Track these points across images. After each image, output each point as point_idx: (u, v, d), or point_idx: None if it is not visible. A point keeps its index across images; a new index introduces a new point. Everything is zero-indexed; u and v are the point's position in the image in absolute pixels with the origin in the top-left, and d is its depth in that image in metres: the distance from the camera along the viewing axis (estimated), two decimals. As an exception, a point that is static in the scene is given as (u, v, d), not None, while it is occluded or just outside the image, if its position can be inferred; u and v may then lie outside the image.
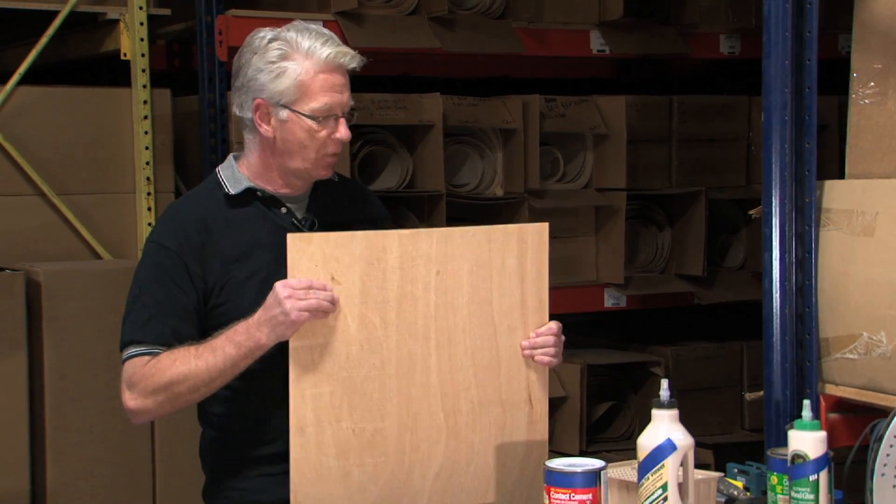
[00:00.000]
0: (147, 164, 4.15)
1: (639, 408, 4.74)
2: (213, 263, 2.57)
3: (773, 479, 2.37)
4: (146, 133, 4.14)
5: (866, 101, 2.85)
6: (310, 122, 2.55)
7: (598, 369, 4.70)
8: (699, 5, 4.92)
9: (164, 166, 4.20)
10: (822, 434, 2.30)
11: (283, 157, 2.60)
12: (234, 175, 2.65)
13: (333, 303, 2.43)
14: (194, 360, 2.49)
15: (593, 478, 2.20)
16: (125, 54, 4.16)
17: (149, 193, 4.15)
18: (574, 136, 4.74)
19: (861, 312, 2.74)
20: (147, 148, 4.15)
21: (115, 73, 4.41)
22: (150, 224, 4.15)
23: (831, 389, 2.82)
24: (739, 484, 2.57)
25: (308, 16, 4.25)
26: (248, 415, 2.64)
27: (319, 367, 2.48)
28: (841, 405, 2.82)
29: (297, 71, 2.54)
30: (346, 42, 4.19)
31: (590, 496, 2.19)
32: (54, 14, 4.09)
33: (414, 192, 4.40)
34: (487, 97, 4.59)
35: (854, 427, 2.72)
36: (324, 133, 2.57)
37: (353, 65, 2.58)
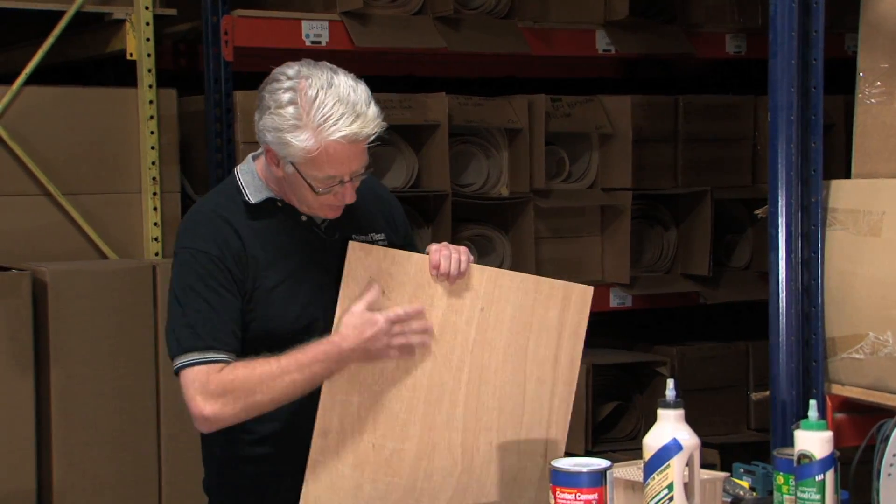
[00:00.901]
0: (153, 163, 4.15)
1: (644, 408, 4.74)
2: (248, 270, 2.55)
3: (779, 479, 2.37)
4: (152, 133, 4.15)
5: (873, 100, 2.84)
6: (310, 183, 2.50)
7: (604, 369, 4.70)
8: (705, 5, 4.92)
9: (170, 166, 4.21)
10: (829, 434, 2.30)
11: (291, 195, 2.58)
12: (255, 182, 2.62)
13: (426, 332, 2.51)
14: (280, 376, 2.46)
15: (599, 478, 2.20)
16: (131, 54, 4.16)
17: (155, 193, 4.16)
18: (580, 135, 4.74)
19: (867, 312, 2.74)
20: (153, 148, 4.15)
21: (121, 73, 4.41)
22: (156, 224, 4.15)
23: (837, 389, 2.82)
24: (745, 484, 2.57)
25: (314, 16, 4.25)
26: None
27: (355, 375, 2.51)
28: (847, 405, 2.82)
29: (303, 147, 2.44)
30: (351, 42, 4.25)
31: (595, 496, 2.19)
32: (60, 14, 4.09)
33: (419, 191, 4.40)
34: (493, 97, 4.59)
35: (860, 427, 2.72)
36: (326, 196, 2.53)
37: (373, 136, 2.50)
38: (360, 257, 2.53)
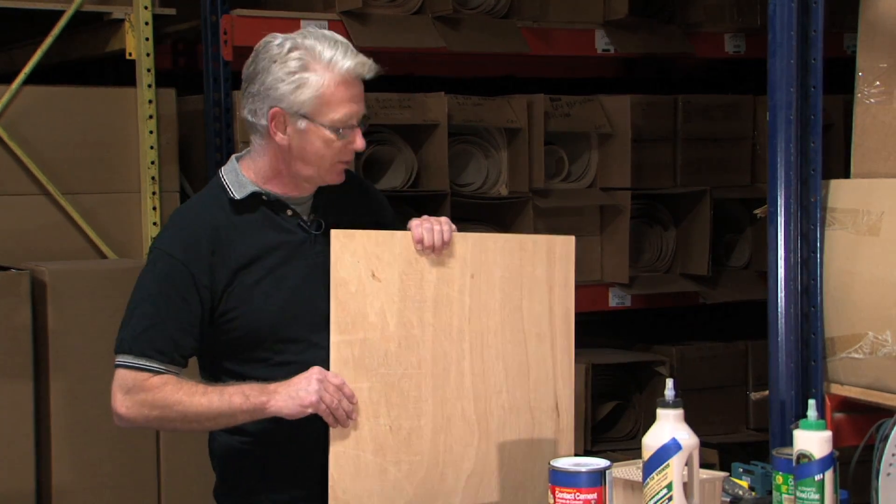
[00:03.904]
0: (152, 163, 4.15)
1: (644, 407, 4.74)
2: (222, 271, 2.56)
3: (779, 478, 2.37)
4: (151, 132, 4.15)
5: (872, 100, 2.84)
6: (328, 132, 2.53)
7: (603, 369, 4.70)
8: (704, 4, 4.92)
9: (169, 166, 4.21)
10: (828, 434, 2.30)
11: (297, 165, 2.59)
12: (239, 179, 2.63)
13: (349, 417, 2.51)
14: (199, 396, 2.52)
15: (598, 477, 2.20)
16: (130, 54, 4.16)
17: (154, 193, 4.16)
18: (579, 135, 4.73)
19: (866, 312, 2.74)
20: (152, 147, 4.15)
21: (120, 72, 4.41)
22: (155, 223, 4.15)
23: (836, 389, 2.82)
24: (745, 483, 2.57)
25: (313, 15, 4.25)
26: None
27: (360, 362, 2.53)
28: (846, 405, 2.82)
29: (318, 83, 2.51)
30: (351, 42, 4.25)
31: (595, 496, 2.19)
32: (60, 14, 4.09)
33: (419, 191, 4.40)
34: (492, 96, 4.59)
35: (859, 427, 2.72)
36: (340, 143, 2.55)
37: (371, 75, 2.57)
38: (345, 243, 2.54)
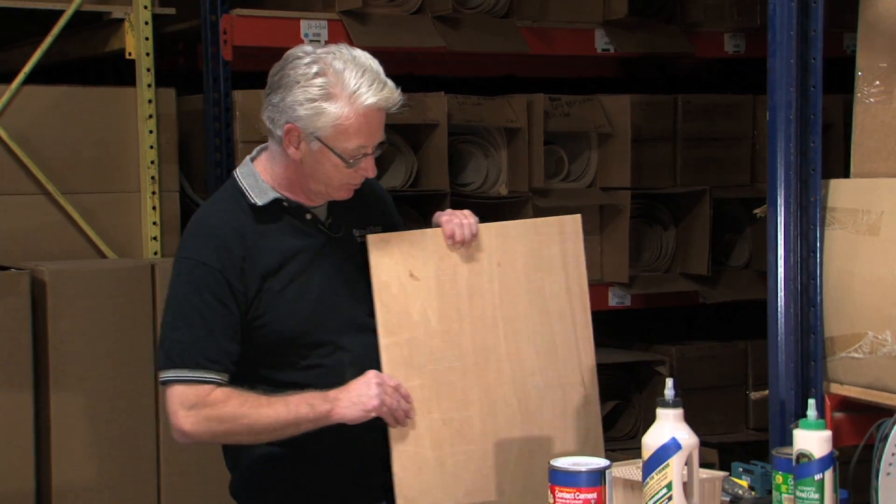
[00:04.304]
0: (152, 163, 4.15)
1: (643, 407, 4.74)
2: (252, 277, 2.57)
3: (778, 478, 2.37)
4: (151, 132, 4.15)
5: (871, 99, 2.84)
6: (339, 160, 2.54)
7: (603, 368, 4.66)
8: (704, 4, 4.92)
9: (169, 165, 4.20)
10: (827, 433, 2.30)
11: (307, 179, 2.60)
12: (258, 184, 2.62)
13: (407, 416, 2.58)
14: (265, 408, 2.53)
15: (598, 477, 2.20)
16: (130, 53, 4.16)
17: (153, 192, 4.15)
18: (578, 135, 4.73)
19: (866, 311, 2.74)
20: (152, 147, 4.15)
21: (120, 72, 4.41)
22: (154, 223, 4.15)
23: (836, 388, 2.82)
24: (744, 483, 2.57)
25: (313, 15, 4.25)
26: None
27: (409, 361, 2.62)
28: (846, 404, 2.82)
29: (337, 114, 2.50)
30: (350, 42, 4.25)
31: (594, 495, 2.19)
32: (59, 13, 4.09)
33: (418, 191, 4.40)
34: (492, 96, 4.59)
35: (859, 426, 2.72)
36: (351, 170, 2.57)
37: (394, 110, 2.57)
38: (382, 247, 2.64)
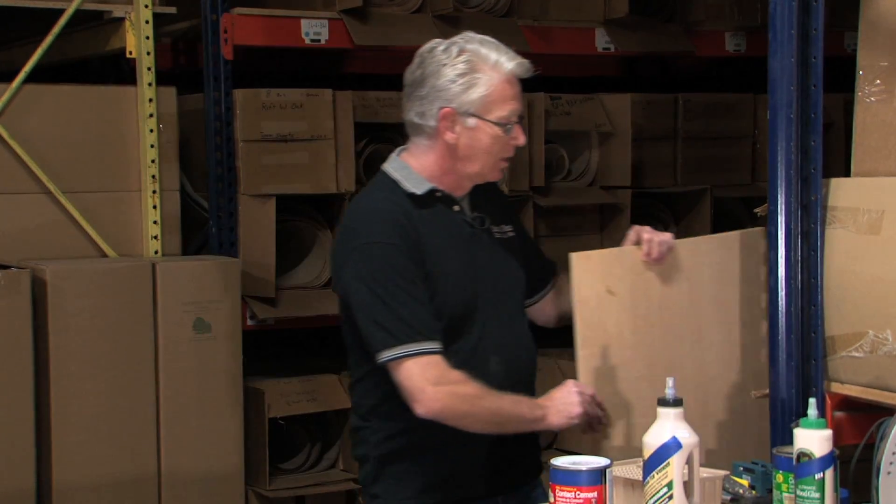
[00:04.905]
0: (152, 162, 4.15)
1: (644, 406, 4.74)
2: (425, 259, 2.69)
3: (779, 477, 2.37)
4: (151, 131, 4.14)
5: (872, 98, 2.84)
6: (496, 128, 2.69)
7: (604, 367, 4.69)
8: (704, 3, 4.92)
9: (170, 164, 4.20)
10: (828, 432, 2.30)
11: (463, 162, 2.73)
12: (412, 175, 2.75)
13: (601, 423, 2.73)
14: (495, 398, 2.64)
15: (598, 476, 2.20)
16: (131, 52, 4.16)
17: (154, 191, 4.15)
18: (579, 133, 4.73)
19: (867, 310, 2.73)
20: (152, 146, 4.15)
21: (120, 71, 4.41)
22: (155, 222, 4.15)
23: (837, 388, 2.81)
24: (745, 482, 2.57)
25: (314, 14, 4.25)
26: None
27: (604, 371, 2.74)
28: (846, 403, 2.82)
29: (487, 82, 2.68)
30: (350, 41, 4.25)
31: (595, 494, 2.19)
32: (60, 12, 4.09)
33: (419, 190, 4.39)
34: (492, 95, 4.58)
35: (860, 425, 2.71)
36: (506, 139, 2.71)
37: (528, 75, 2.73)
38: (584, 265, 2.77)
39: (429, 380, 2.59)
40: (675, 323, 2.83)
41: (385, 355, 2.61)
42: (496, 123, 2.69)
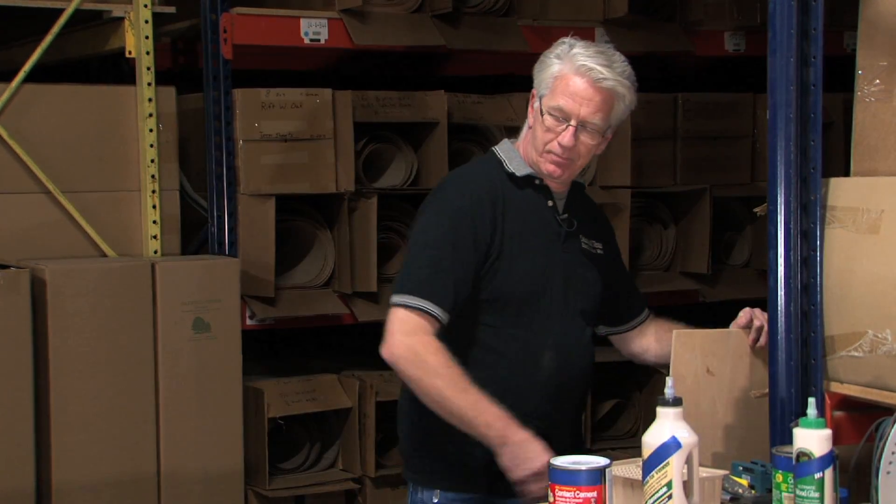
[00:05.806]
0: (152, 161, 4.15)
1: (643, 406, 4.74)
2: (498, 233, 2.76)
3: (778, 476, 2.37)
4: (151, 131, 4.14)
5: (872, 98, 2.84)
6: (543, 114, 2.78)
7: (603, 367, 4.68)
8: (704, 3, 4.92)
9: (169, 164, 4.20)
10: (827, 432, 2.30)
11: (532, 146, 2.84)
12: (516, 157, 2.87)
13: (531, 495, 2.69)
14: (459, 392, 2.67)
15: (598, 475, 2.20)
16: (130, 52, 4.16)
17: (154, 191, 4.15)
18: (579, 133, 4.73)
19: (866, 310, 2.73)
20: (152, 146, 4.15)
21: (120, 70, 4.40)
22: (155, 222, 4.15)
23: (836, 387, 2.81)
24: (744, 482, 2.57)
25: (313, 13, 4.25)
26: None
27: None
28: (846, 403, 2.81)
29: (556, 68, 2.79)
30: (350, 40, 4.25)
31: (594, 494, 2.19)
32: (59, 12, 4.09)
33: (418, 189, 4.40)
34: (492, 95, 4.59)
35: (859, 425, 2.71)
36: (551, 133, 2.77)
37: (605, 86, 2.77)
38: (686, 343, 2.79)
39: (404, 331, 2.68)
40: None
41: (393, 298, 2.72)
42: (545, 108, 2.77)
